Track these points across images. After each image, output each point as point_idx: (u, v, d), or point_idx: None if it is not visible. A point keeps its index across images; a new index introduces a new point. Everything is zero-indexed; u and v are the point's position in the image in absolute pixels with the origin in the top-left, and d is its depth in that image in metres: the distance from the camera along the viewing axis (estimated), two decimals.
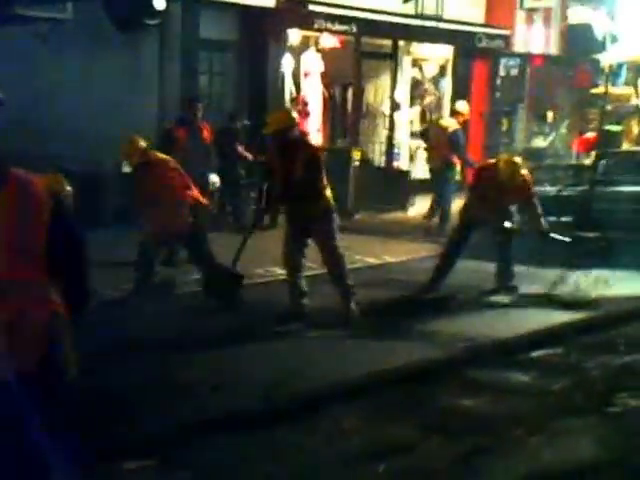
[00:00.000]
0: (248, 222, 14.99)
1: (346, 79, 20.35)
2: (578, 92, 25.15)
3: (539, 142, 24.71)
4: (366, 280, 11.13)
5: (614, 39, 23.75)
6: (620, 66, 24.26)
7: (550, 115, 24.85)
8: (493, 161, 11.48)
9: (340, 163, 16.62)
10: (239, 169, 14.85)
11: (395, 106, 20.97)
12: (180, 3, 15.47)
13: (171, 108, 14.93)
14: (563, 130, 24.93)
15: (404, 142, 21.41)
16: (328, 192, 9.42)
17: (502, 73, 23.48)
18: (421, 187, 18.84)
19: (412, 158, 21.28)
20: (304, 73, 18.91)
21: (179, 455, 6.15)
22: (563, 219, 13.33)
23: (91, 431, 6.08)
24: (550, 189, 14.44)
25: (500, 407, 7.48)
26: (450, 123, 15.76)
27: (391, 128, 20.98)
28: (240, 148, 14.87)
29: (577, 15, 24.54)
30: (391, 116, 20.99)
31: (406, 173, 19.78)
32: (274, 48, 17.74)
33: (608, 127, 21.82)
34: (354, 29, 18.70)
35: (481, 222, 11.14)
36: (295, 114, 10.32)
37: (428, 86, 22.56)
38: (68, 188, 8.31)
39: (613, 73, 23.29)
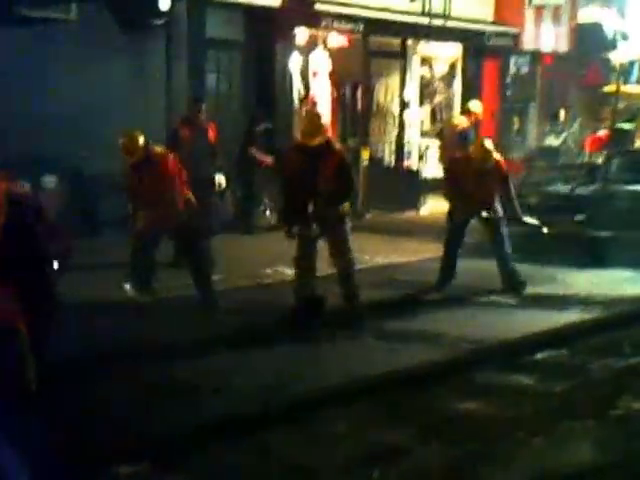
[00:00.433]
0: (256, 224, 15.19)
1: (355, 78, 20.22)
2: (590, 90, 25.05)
3: (552, 141, 24.60)
4: (373, 280, 11.08)
5: (625, 37, 23.66)
6: (632, 64, 24.20)
7: (562, 114, 24.74)
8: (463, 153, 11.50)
9: (349, 163, 16.45)
10: (253, 172, 14.78)
11: (405, 105, 20.86)
12: (185, 3, 15.41)
13: (179, 108, 14.83)
14: (575, 129, 24.81)
15: (414, 141, 21.28)
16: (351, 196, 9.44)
17: (512, 71, 23.39)
18: (432, 186, 18.73)
19: (422, 157, 21.13)
20: (312, 72, 18.80)
21: (175, 459, 6.08)
22: (576, 218, 13.27)
23: (86, 434, 6.05)
24: (563, 188, 14.42)
25: (501, 410, 7.40)
26: (460, 121, 15.64)
27: (401, 127, 20.87)
28: (254, 151, 14.83)
29: (587, 14, 24.43)
30: (401, 115, 20.88)
31: (417, 172, 19.67)
32: (281, 47, 17.65)
33: (620, 125, 21.75)
34: (361, 28, 18.59)
35: (468, 215, 11.11)
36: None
37: (438, 85, 22.44)
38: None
39: (624, 71, 23.24)
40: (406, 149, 20.92)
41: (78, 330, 8.64)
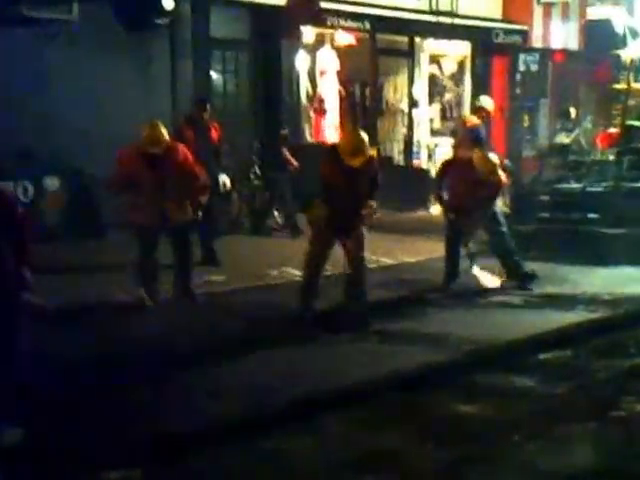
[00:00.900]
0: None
1: (363, 77, 20.17)
2: (600, 88, 24.93)
3: (563, 138, 24.46)
4: (379, 280, 10.99)
5: (634, 34, 23.55)
6: None
7: (573, 111, 24.61)
8: (464, 156, 11.24)
9: None
10: (282, 174, 14.71)
11: (414, 103, 20.76)
12: (190, 2, 15.35)
13: (184, 108, 14.73)
14: (586, 126, 24.66)
15: (424, 140, 21.16)
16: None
17: (521, 69, 23.27)
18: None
19: (431, 156, 21.00)
20: (320, 71, 18.75)
21: (170, 463, 5.99)
22: (589, 215, 13.17)
23: (78, 438, 5.95)
24: (575, 185, 14.32)
25: (500, 413, 7.28)
26: (470, 119, 15.42)
27: (410, 126, 20.77)
28: (287, 153, 14.75)
29: (597, 11, 24.33)
30: (410, 114, 20.79)
31: (426, 171, 19.54)
32: (288, 46, 17.60)
33: (630, 122, 21.56)
34: (367, 26, 18.51)
35: (464, 212, 10.96)
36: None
37: (447, 83, 22.33)
38: None
39: (635, 68, 23.12)
40: (415, 148, 20.80)
41: (77, 331, 8.61)
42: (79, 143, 13.10)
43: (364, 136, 9.00)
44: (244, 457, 6.16)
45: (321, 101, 18.76)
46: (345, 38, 18.90)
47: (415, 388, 7.64)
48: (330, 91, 18.94)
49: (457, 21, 20.54)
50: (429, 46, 21.34)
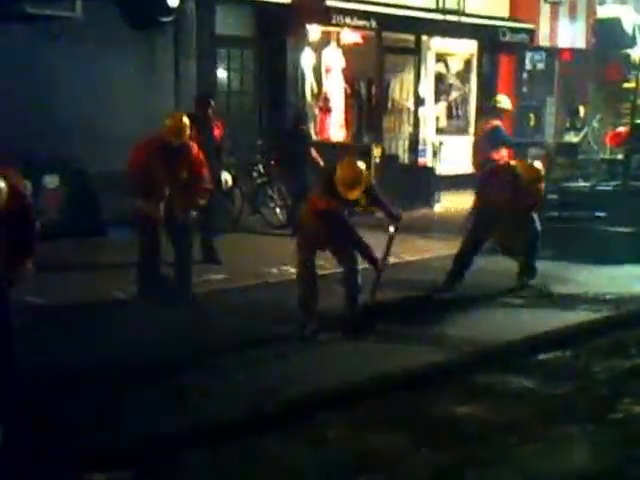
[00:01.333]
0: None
1: (369, 75, 20.14)
2: (610, 86, 24.85)
3: (571, 137, 24.39)
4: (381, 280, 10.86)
5: None
6: None
7: (582, 110, 24.55)
8: (510, 163, 11.21)
9: (360, 160, 16.37)
10: (307, 172, 14.66)
11: (420, 102, 20.73)
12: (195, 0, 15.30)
13: (188, 106, 14.73)
14: (595, 125, 24.60)
15: (430, 138, 21.12)
16: None
17: (528, 67, 23.22)
18: (446, 183, 18.59)
19: (436, 154, 20.95)
20: (325, 69, 18.73)
21: (162, 464, 5.97)
22: (597, 214, 13.14)
23: (68, 438, 5.94)
24: (584, 184, 14.30)
25: (500, 414, 7.25)
26: (490, 120, 15.33)
27: (416, 124, 20.74)
28: (313, 152, 14.70)
29: (606, 10, 24.24)
30: (416, 112, 20.76)
31: (431, 169, 19.48)
32: (292, 44, 17.56)
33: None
34: (373, 24, 18.48)
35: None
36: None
37: (453, 81, 22.30)
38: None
39: None
40: (421, 146, 20.75)
41: (74, 331, 8.60)
42: (81, 141, 13.11)
43: (361, 166, 8.77)
44: (243, 458, 6.14)
45: (326, 99, 18.76)
46: (351, 36, 18.89)
47: (415, 388, 7.62)
48: (335, 89, 18.94)
49: (464, 19, 20.58)
50: (435, 44, 21.32)
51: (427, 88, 21.14)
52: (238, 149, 14.90)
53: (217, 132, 12.28)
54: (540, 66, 23.51)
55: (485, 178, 11.42)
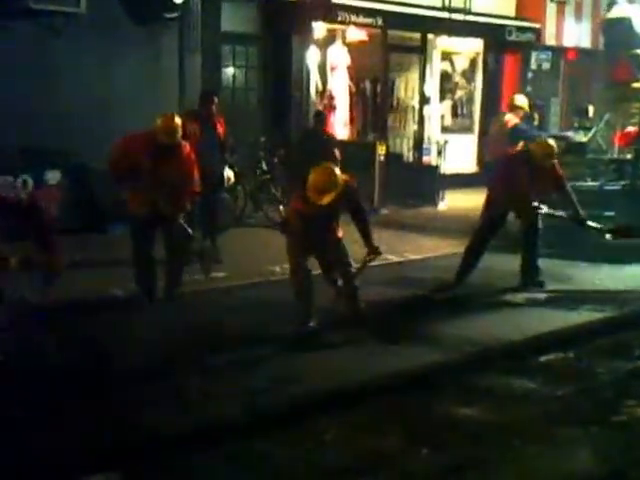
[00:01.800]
0: None
1: (375, 73, 20.11)
2: (619, 86, 24.81)
3: (580, 137, 24.36)
4: (382, 279, 10.91)
5: None
6: None
7: (592, 109, 24.54)
8: (522, 148, 11.27)
9: (365, 158, 16.48)
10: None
11: (425, 100, 20.69)
12: None
13: (192, 102, 14.71)
14: (603, 125, 24.56)
15: (434, 136, 21.07)
16: None
17: (533, 67, 23.16)
18: (451, 182, 18.55)
19: (441, 153, 20.90)
20: (330, 67, 18.70)
21: (158, 465, 5.95)
22: (606, 214, 13.10)
23: (61, 440, 5.91)
24: (592, 184, 14.27)
25: (500, 415, 7.20)
26: (510, 118, 15.31)
27: (420, 122, 20.70)
28: (337, 153, 14.66)
29: (616, 9, 24.21)
30: (421, 110, 20.72)
31: (435, 168, 19.44)
32: (298, 41, 17.52)
33: None
34: (379, 22, 18.44)
35: (507, 214, 10.92)
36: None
37: (459, 80, 22.25)
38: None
39: None
40: (425, 144, 20.71)
41: (73, 328, 8.57)
42: (84, 137, 13.05)
43: (334, 172, 8.67)
44: (241, 458, 6.12)
45: (331, 97, 18.71)
46: (357, 34, 18.82)
47: (415, 389, 7.59)
48: (340, 87, 18.89)
49: (470, 18, 20.51)
50: (441, 43, 21.26)
51: (432, 87, 21.09)
52: (241, 146, 14.85)
53: (220, 129, 12.24)
54: (546, 65, 23.43)
55: (502, 164, 11.44)
